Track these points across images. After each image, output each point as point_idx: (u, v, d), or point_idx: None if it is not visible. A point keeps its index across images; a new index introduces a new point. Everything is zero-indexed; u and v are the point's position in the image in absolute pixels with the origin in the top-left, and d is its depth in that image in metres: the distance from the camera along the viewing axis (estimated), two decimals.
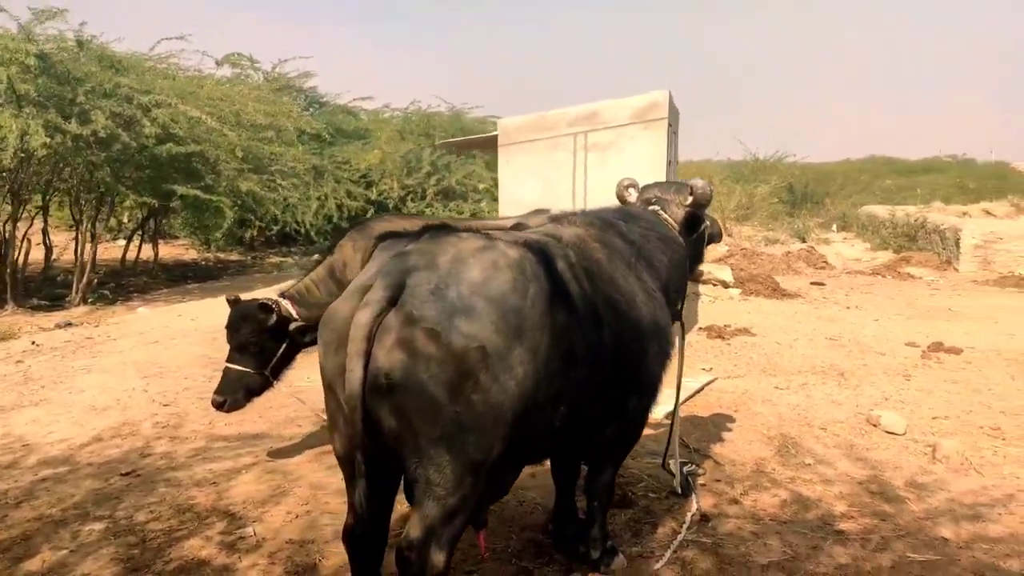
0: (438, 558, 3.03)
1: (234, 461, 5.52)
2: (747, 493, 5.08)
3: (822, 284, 15.54)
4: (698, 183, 4.45)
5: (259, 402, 5.46)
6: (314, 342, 5.16)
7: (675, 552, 4.22)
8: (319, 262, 5.69)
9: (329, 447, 5.53)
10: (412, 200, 21.24)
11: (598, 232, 3.89)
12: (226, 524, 4.52)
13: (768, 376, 8.12)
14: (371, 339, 2.84)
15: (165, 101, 11.10)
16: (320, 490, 5.00)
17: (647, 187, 4.72)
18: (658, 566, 4.09)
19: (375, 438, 2.92)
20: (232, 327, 5.24)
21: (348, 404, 2.83)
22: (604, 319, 3.46)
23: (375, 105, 25.16)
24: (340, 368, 2.95)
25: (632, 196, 4.72)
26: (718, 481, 5.27)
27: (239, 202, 13.28)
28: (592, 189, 8.40)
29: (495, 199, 21.62)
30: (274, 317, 5.18)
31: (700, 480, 5.23)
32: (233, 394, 5.21)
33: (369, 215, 19.62)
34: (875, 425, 6.47)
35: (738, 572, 4.05)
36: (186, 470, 5.36)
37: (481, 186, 21.44)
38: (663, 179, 8.33)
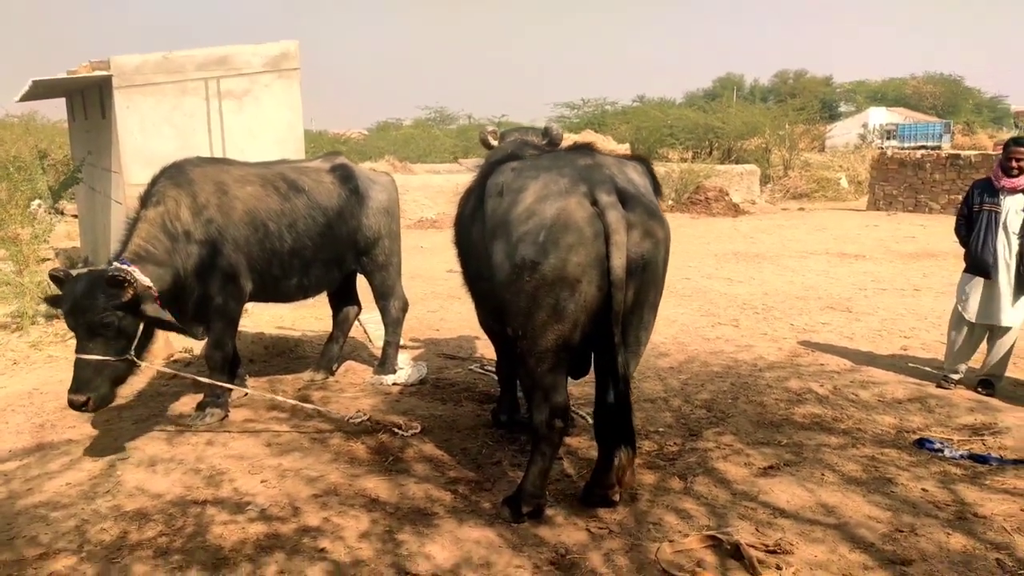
0: None
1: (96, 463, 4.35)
2: None
3: None
4: (554, 127, 5.55)
5: None
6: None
7: None
8: (135, 219, 4.76)
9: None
10: None
11: None
12: (223, 508, 3.90)
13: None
14: (626, 232, 3.47)
15: None
16: (223, 458, 4.54)
17: (507, 133, 5.50)
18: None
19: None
20: (76, 309, 4.19)
21: (616, 286, 3.43)
22: None
23: None
24: (589, 262, 3.46)
25: (493, 140, 5.43)
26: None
27: None
28: (230, 140, 8.05)
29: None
30: (130, 291, 4.30)
31: None
32: (96, 390, 4.24)
33: None
34: None
35: None
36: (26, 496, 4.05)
37: None
38: (301, 130, 8.61)
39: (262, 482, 4.23)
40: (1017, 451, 4.85)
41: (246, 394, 5.46)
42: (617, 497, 3.92)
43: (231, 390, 5.17)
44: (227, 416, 5.19)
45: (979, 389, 6.06)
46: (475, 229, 4.04)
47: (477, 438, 4.92)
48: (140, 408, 5.43)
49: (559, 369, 3.69)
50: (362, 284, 6.32)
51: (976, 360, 6.30)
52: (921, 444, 4.74)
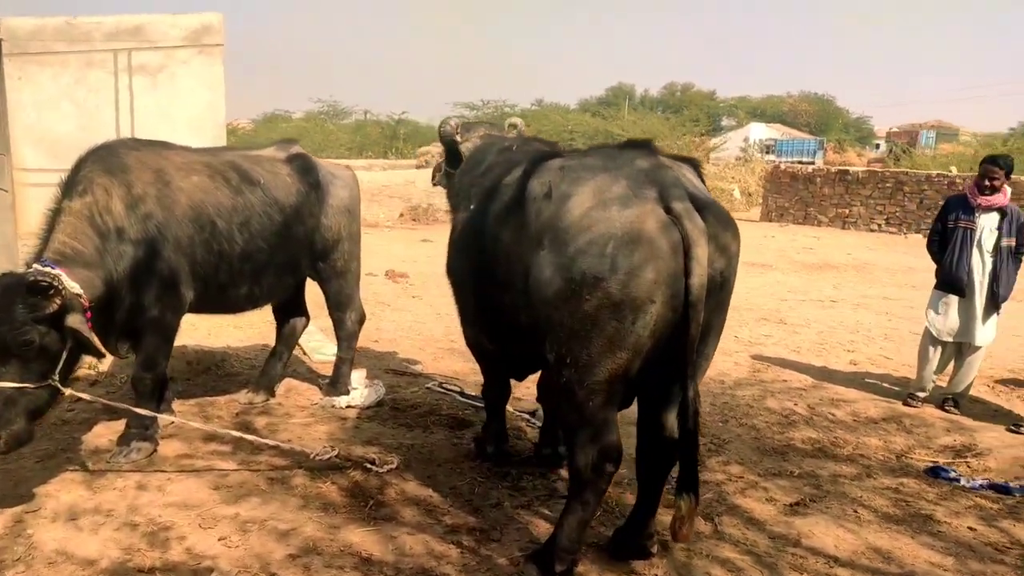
0: None
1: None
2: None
3: None
4: (519, 121, 5.04)
5: None
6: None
7: None
8: (55, 211, 3.85)
9: None
10: None
11: None
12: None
13: None
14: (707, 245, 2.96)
15: None
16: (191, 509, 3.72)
17: (470, 126, 4.89)
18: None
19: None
20: None
21: (695, 308, 2.92)
22: None
23: None
24: (663, 279, 2.93)
25: (459, 134, 4.77)
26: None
27: None
28: (141, 120, 7.04)
29: None
30: (56, 300, 3.44)
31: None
32: (9, 425, 3.37)
33: None
34: None
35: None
36: None
37: None
38: (223, 112, 7.69)
39: (220, 540, 3.44)
40: (1001, 473, 4.75)
41: (172, 422, 4.61)
42: (655, 548, 3.43)
43: (156, 419, 4.32)
44: (156, 451, 4.34)
45: (946, 407, 5.99)
46: (506, 235, 3.41)
47: (464, 473, 4.30)
48: (43, 441, 4.44)
49: (613, 403, 3.14)
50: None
51: (940, 378, 6.26)
52: (936, 473, 4.51)
